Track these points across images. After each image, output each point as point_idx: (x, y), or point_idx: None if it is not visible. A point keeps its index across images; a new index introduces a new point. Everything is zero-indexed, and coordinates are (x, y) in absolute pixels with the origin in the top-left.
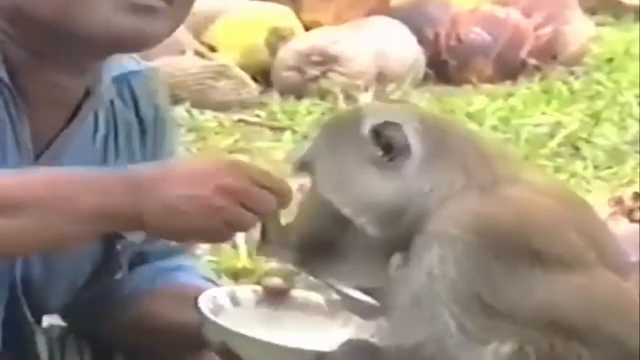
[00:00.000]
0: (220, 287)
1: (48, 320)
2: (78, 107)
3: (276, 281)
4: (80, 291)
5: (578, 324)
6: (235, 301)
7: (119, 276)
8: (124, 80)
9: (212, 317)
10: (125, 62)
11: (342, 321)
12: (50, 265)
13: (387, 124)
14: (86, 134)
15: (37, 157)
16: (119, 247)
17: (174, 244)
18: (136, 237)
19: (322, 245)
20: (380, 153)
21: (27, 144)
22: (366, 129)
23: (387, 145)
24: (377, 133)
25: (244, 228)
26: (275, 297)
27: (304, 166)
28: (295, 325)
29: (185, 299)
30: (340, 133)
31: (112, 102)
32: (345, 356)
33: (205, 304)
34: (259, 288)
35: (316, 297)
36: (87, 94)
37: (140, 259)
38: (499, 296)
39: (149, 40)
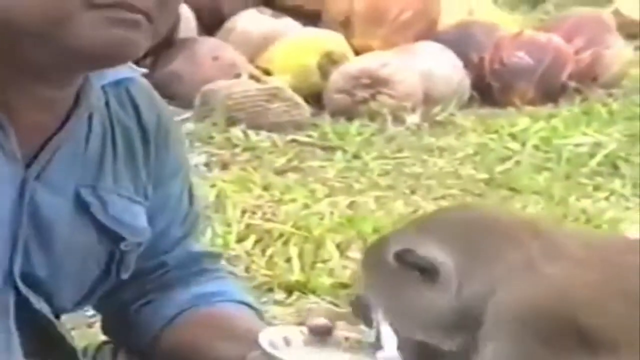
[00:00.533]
0: (272, 327)
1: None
2: (68, 114)
3: (320, 320)
4: (93, 293)
5: None
6: (287, 341)
7: (124, 276)
8: (120, 87)
9: (273, 351)
10: (119, 68)
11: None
12: (52, 262)
13: (405, 251)
14: (78, 138)
15: (28, 166)
16: (123, 247)
17: (206, 265)
18: (139, 238)
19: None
20: (418, 275)
21: (15, 154)
22: (390, 260)
23: (420, 268)
24: (401, 261)
25: None
26: (321, 336)
27: (364, 310)
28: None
29: (224, 329)
30: (377, 268)
31: (107, 104)
32: None
33: (264, 341)
34: (305, 328)
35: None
36: (77, 100)
37: (166, 279)
38: None
39: (134, 52)
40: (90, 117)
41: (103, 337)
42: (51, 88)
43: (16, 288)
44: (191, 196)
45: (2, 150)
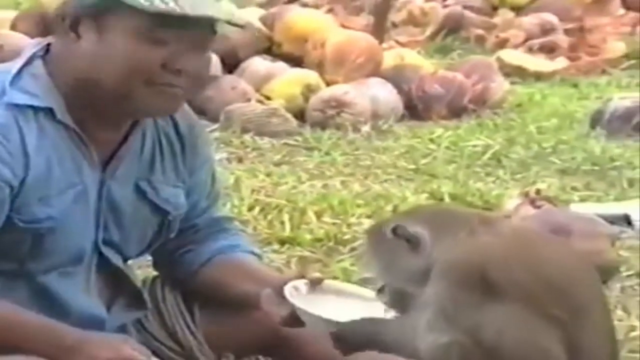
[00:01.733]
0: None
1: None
2: (129, 130)
3: (316, 274)
4: (150, 246)
5: (496, 344)
6: (297, 289)
7: (171, 235)
8: None
9: (290, 298)
10: None
11: (366, 302)
12: (123, 230)
13: (398, 226)
14: (135, 150)
15: (104, 169)
16: (170, 217)
17: (225, 225)
18: (180, 211)
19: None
20: (405, 244)
21: (95, 162)
22: (388, 233)
23: (407, 239)
24: (395, 233)
25: None
26: (317, 285)
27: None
28: (331, 302)
29: (242, 272)
30: (377, 240)
31: (156, 122)
32: (355, 325)
33: (289, 294)
34: (307, 280)
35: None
36: (133, 122)
37: (198, 236)
38: (455, 312)
39: (173, 112)
40: (143, 131)
41: (155, 273)
42: (109, 118)
43: (99, 252)
44: (214, 179)
45: (86, 160)
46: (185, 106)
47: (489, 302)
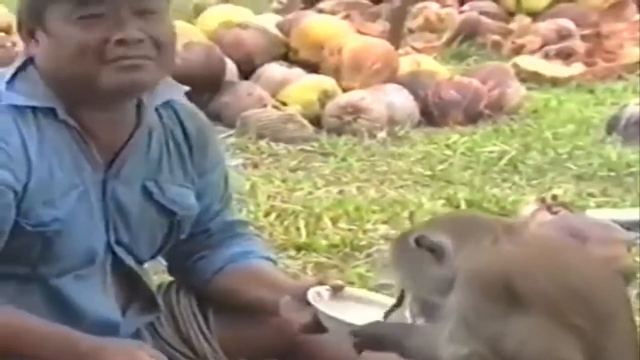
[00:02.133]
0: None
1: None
2: (132, 132)
3: (337, 281)
4: (162, 248)
5: (517, 355)
6: (320, 295)
7: (182, 236)
8: (168, 107)
9: (314, 303)
10: (168, 92)
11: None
12: (132, 231)
13: (421, 236)
14: (141, 149)
15: (107, 168)
16: (178, 217)
17: (239, 230)
18: (188, 212)
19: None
20: (429, 255)
21: (97, 161)
22: (411, 243)
23: (431, 249)
24: (418, 244)
25: None
26: (337, 292)
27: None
28: (352, 309)
29: (257, 279)
30: (402, 250)
31: (163, 123)
32: (379, 326)
33: (313, 299)
34: (328, 287)
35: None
36: (138, 121)
37: (212, 240)
38: (478, 322)
39: (142, 87)
40: (150, 132)
41: (171, 278)
42: (107, 112)
43: (113, 252)
44: (226, 182)
45: (88, 159)
46: (195, 108)
47: (511, 312)
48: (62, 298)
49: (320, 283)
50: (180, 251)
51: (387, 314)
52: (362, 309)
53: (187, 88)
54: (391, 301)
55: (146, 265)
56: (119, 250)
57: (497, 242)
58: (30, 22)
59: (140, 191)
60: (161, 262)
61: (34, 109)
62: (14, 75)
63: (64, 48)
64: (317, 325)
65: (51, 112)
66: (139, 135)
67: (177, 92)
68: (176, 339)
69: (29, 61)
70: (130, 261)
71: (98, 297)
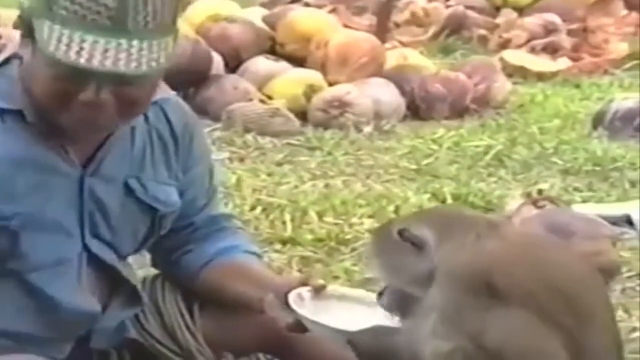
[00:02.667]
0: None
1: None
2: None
3: (320, 281)
4: (145, 243)
5: (500, 350)
6: (301, 297)
7: (163, 232)
8: (156, 105)
9: (295, 308)
10: (157, 92)
11: (369, 308)
12: (113, 228)
13: (404, 229)
14: (124, 146)
15: (85, 167)
16: (160, 214)
17: (224, 224)
18: (170, 209)
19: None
20: (410, 246)
21: (72, 160)
22: (394, 234)
23: (412, 242)
24: (401, 235)
25: None
26: (319, 291)
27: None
28: (335, 308)
29: (241, 274)
30: (383, 241)
31: (146, 119)
32: (367, 334)
33: (294, 303)
34: (310, 288)
35: (346, 290)
36: None
37: (197, 235)
38: (459, 317)
39: (104, 133)
40: (133, 128)
41: (156, 271)
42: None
43: (88, 250)
44: (211, 176)
45: (62, 158)
46: (181, 102)
47: (493, 307)
48: (37, 293)
49: (303, 283)
50: (165, 246)
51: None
52: (345, 308)
53: (173, 93)
54: (373, 297)
55: (130, 259)
56: (96, 248)
57: (480, 238)
58: (24, 29)
59: (122, 188)
60: (146, 255)
61: (2, 109)
62: None
63: (39, 82)
64: (301, 326)
65: (19, 113)
66: (120, 133)
67: (165, 92)
68: (161, 333)
69: (15, 57)
70: (108, 257)
71: (72, 292)
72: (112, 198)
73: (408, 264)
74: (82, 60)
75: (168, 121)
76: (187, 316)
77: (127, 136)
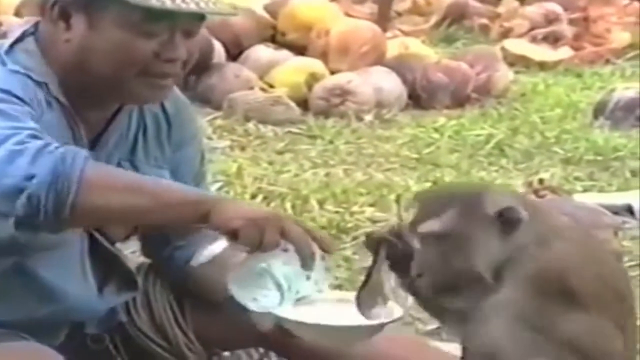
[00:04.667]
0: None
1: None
2: (117, 110)
3: None
4: (136, 228)
5: (591, 353)
6: None
7: None
8: None
9: (273, 311)
10: None
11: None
12: None
13: (509, 208)
14: (122, 130)
15: (92, 147)
16: None
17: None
18: None
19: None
20: (500, 226)
21: (82, 139)
22: (491, 210)
23: (505, 222)
24: (500, 214)
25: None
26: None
27: (439, 235)
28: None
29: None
30: (467, 213)
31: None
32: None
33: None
34: None
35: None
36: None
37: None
38: (542, 322)
39: (162, 100)
40: (130, 117)
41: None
42: (100, 109)
43: (90, 234)
44: (202, 161)
45: (75, 138)
46: (174, 87)
47: (574, 311)
48: (36, 278)
49: None
50: (155, 238)
51: (359, 296)
52: (325, 308)
53: None
54: (348, 296)
55: (129, 250)
56: (96, 233)
57: (555, 238)
58: (71, 5)
59: None
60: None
61: (31, 79)
62: (12, 46)
63: (108, 50)
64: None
65: (45, 85)
66: (121, 116)
67: None
68: (151, 328)
69: (28, 33)
70: (105, 240)
71: (75, 277)
72: None
73: (486, 244)
74: (168, 2)
75: (162, 105)
76: (177, 311)
77: (125, 120)
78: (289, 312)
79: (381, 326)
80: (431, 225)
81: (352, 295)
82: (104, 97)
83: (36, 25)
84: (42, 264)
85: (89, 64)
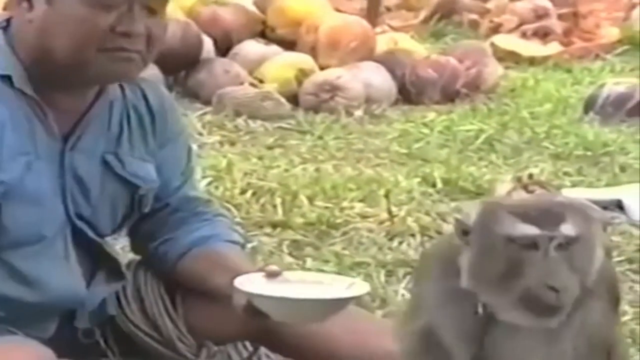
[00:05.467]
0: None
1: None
2: (93, 102)
3: (272, 267)
4: (124, 223)
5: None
6: (250, 280)
7: (145, 210)
8: (134, 85)
9: (242, 287)
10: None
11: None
12: (92, 204)
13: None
14: (101, 122)
15: (65, 139)
16: (140, 192)
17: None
18: (150, 185)
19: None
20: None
21: (54, 132)
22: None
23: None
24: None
25: None
26: (274, 278)
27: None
28: (287, 287)
29: (218, 265)
30: (583, 219)
31: (125, 97)
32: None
33: (239, 283)
34: (263, 273)
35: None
36: (99, 91)
37: (174, 220)
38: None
39: (129, 78)
40: (111, 104)
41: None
42: (74, 96)
43: (73, 224)
44: (189, 157)
45: (44, 129)
46: (158, 84)
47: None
48: (19, 271)
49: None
50: (143, 230)
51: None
52: (299, 286)
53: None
54: (330, 278)
55: (120, 245)
56: (80, 224)
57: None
58: None
59: (100, 164)
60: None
61: None
62: None
63: (66, 24)
64: (256, 310)
65: (7, 79)
66: (99, 107)
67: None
68: (143, 320)
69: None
70: (91, 233)
71: (60, 270)
72: (92, 174)
73: (600, 252)
74: None
75: (145, 98)
76: (169, 305)
77: (105, 112)
78: (261, 288)
79: (346, 301)
80: (568, 230)
81: (329, 277)
82: (71, 80)
83: (8, 20)
84: (23, 256)
85: (50, 43)
